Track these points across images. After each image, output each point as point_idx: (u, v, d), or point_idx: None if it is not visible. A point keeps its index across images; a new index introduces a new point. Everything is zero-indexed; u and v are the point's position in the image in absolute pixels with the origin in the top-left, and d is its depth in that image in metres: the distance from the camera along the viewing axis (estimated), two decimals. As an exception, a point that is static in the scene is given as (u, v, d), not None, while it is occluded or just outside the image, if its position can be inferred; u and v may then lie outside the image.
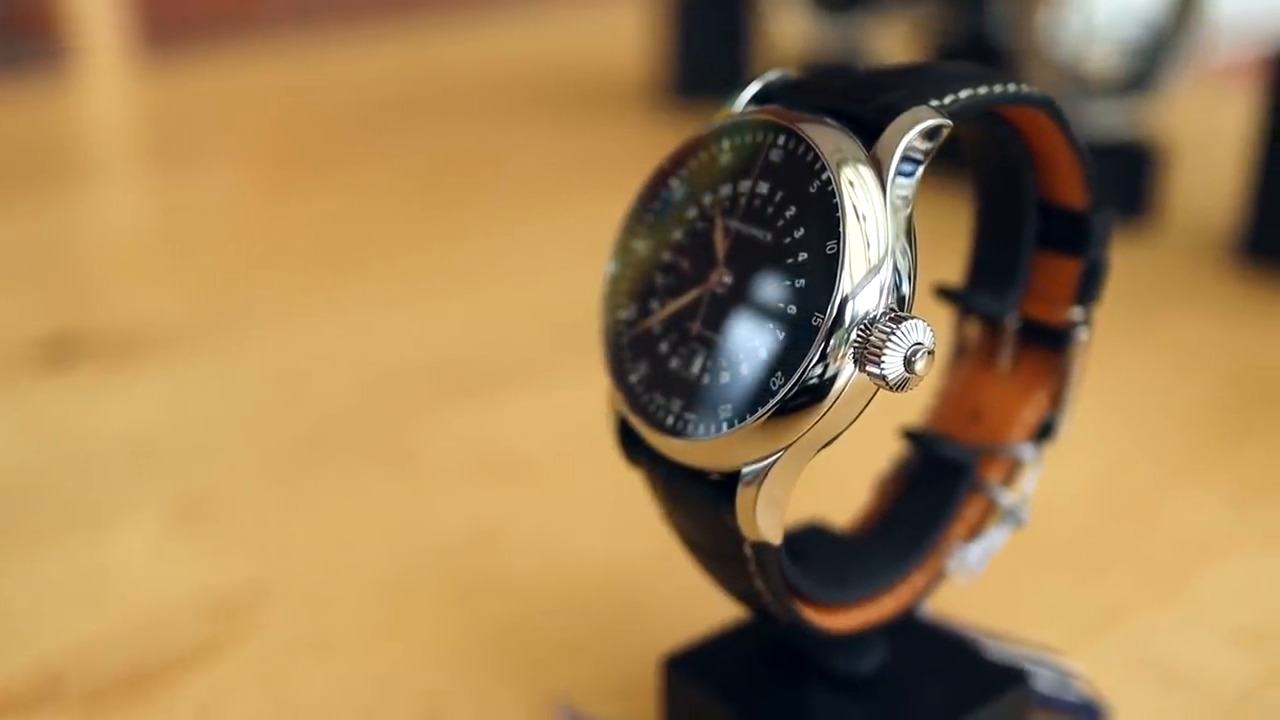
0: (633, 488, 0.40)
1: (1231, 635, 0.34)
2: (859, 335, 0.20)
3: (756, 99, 0.24)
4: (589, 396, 0.46)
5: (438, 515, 0.39)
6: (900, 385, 0.20)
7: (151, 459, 0.42)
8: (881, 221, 0.21)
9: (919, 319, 0.20)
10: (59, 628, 0.34)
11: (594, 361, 0.47)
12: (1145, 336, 0.49)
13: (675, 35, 0.76)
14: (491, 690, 0.32)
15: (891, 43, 0.77)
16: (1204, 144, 0.69)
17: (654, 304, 0.23)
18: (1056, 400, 0.26)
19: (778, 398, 0.21)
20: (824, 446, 0.21)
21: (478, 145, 0.73)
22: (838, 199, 0.21)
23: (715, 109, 0.81)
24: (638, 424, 0.23)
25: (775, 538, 0.22)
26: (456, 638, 0.34)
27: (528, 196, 0.65)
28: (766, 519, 0.21)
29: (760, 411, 0.21)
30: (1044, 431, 0.26)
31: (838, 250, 0.21)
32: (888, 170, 0.21)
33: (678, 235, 0.23)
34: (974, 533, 0.26)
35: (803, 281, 0.21)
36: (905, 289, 0.21)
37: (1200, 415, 0.44)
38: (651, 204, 0.24)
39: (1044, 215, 0.25)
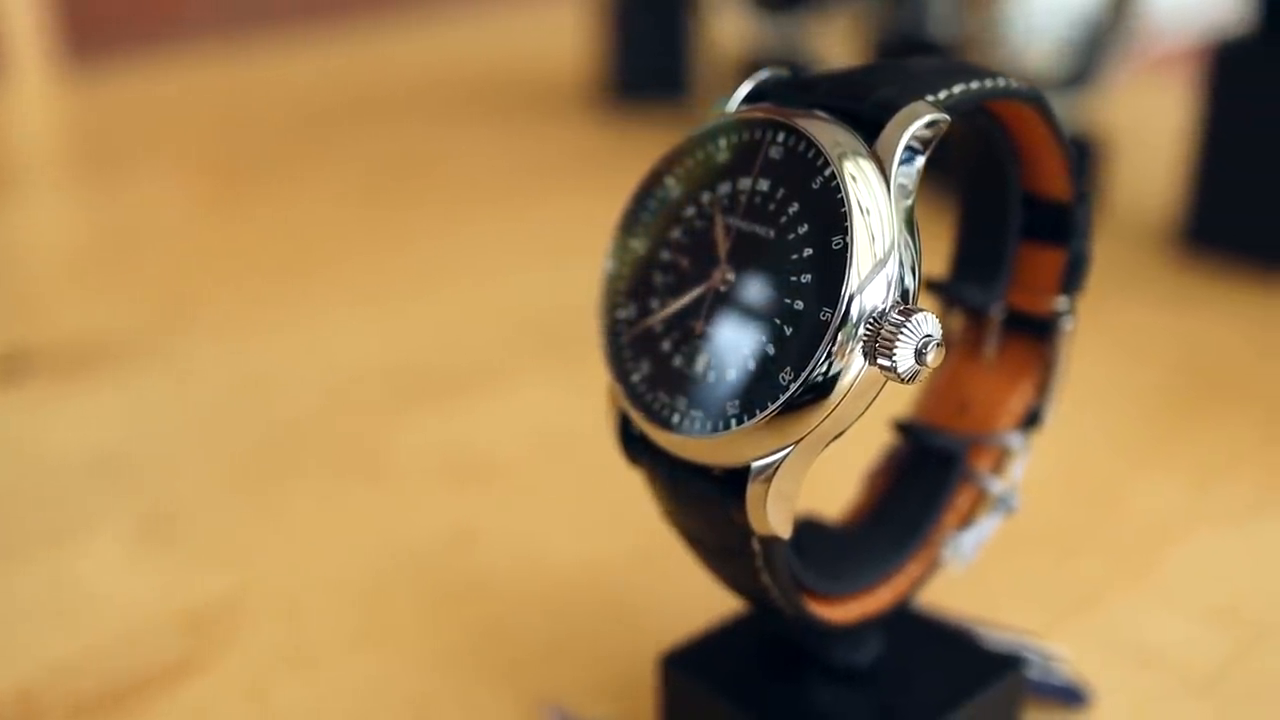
0: (605, 487, 0.40)
1: (1202, 614, 0.34)
2: (868, 329, 0.21)
3: (749, 98, 0.24)
4: (553, 397, 0.46)
5: (410, 520, 0.39)
6: (911, 377, 0.20)
7: (112, 473, 0.41)
8: (886, 215, 0.21)
9: (927, 311, 0.20)
10: (33, 647, 0.33)
11: (555, 362, 0.48)
12: (1097, 325, 0.50)
13: (614, 36, 0.77)
14: (478, 693, 0.32)
15: (830, 41, 0.78)
16: (1143, 136, 0.70)
17: (654, 303, 0.23)
18: (1043, 389, 0.26)
19: (788, 393, 0.21)
20: (832, 440, 0.21)
21: (419, 149, 0.73)
22: (843, 194, 0.21)
23: (655, 110, 0.82)
24: (641, 422, 0.23)
25: (785, 531, 0.22)
26: (439, 642, 0.34)
27: (473, 200, 0.65)
28: (777, 513, 0.22)
29: (771, 407, 0.21)
30: (1031, 420, 0.27)
31: (843, 245, 0.21)
32: (890, 164, 0.21)
33: (676, 234, 0.23)
34: (966, 521, 0.27)
35: (808, 277, 0.21)
36: (910, 282, 0.21)
37: (1155, 401, 0.45)
38: (647, 203, 0.24)
39: (1028, 207, 0.26)
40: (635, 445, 0.24)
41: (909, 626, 0.27)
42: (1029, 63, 0.59)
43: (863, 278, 0.21)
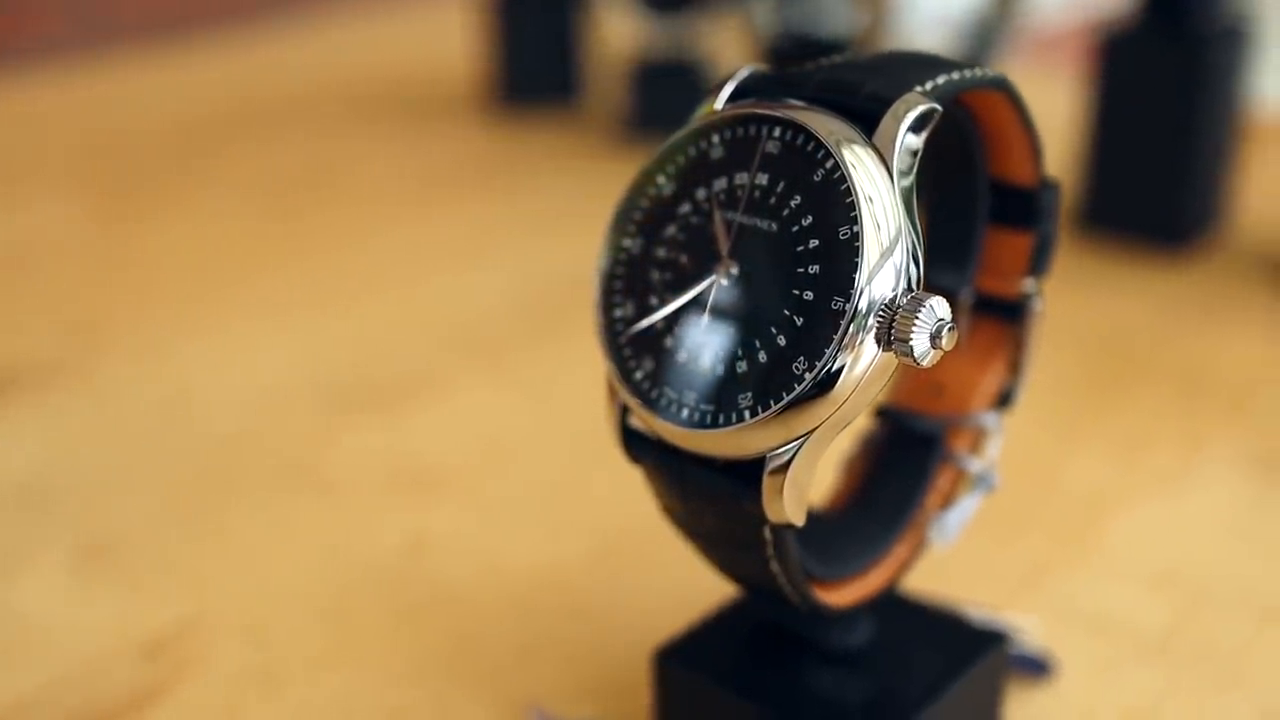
0: (556, 490, 0.40)
1: (1145, 580, 0.36)
2: (880, 317, 0.21)
3: (732, 96, 0.24)
4: (491, 401, 0.46)
5: (362, 533, 0.38)
6: (926, 360, 0.21)
7: (39, 503, 0.40)
8: (889, 204, 0.21)
9: (937, 296, 0.21)
10: (-13, 686, 0.32)
11: (487, 366, 0.48)
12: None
13: (502, 39, 0.76)
14: (456, 702, 0.32)
15: (720, 42, 0.78)
16: (1036, 121, 0.72)
17: (653, 300, 0.24)
18: (1015, 369, 0.27)
19: (804, 383, 0.21)
20: (846, 426, 0.22)
21: (313, 157, 0.71)
22: (849, 184, 0.21)
23: (546, 112, 0.82)
24: (647, 419, 0.23)
25: (800, 519, 0.22)
26: (408, 653, 0.33)
27: (374, 208, 0.64)
28: (792, 501, 0.22)
29: (786, 398, 0.21)
30: (1004, 399, 0.28)
31: (851, 235, 0.21)
32: (891, 154, 0.22)
33: (671, 231, 0.24)
34: (947, 501, 0.27)
35: (816, 268, 0.22)
36: (915, 268, 0.21)
37: (1074, 381, 0.46)
38: (639, 202, 0.24)
39: (995, 193, 0.26)
40: (636, 442, 0.24)
41: (894, 608, 0.28)
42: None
43: (872, 266, 0.21)
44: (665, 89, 0.72)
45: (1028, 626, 0.32)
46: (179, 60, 0.91)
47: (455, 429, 0.44)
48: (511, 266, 0.57)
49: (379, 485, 0.41)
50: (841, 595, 0.25)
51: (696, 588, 0.36)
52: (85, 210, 0.64)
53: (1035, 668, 0.32)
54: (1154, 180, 0.56)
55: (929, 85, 0.23)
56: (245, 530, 0.38)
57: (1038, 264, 0.27)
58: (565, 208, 0.64)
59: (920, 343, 0.21)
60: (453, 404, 0.46)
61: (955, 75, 0.23)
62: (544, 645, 0.34)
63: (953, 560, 0.36)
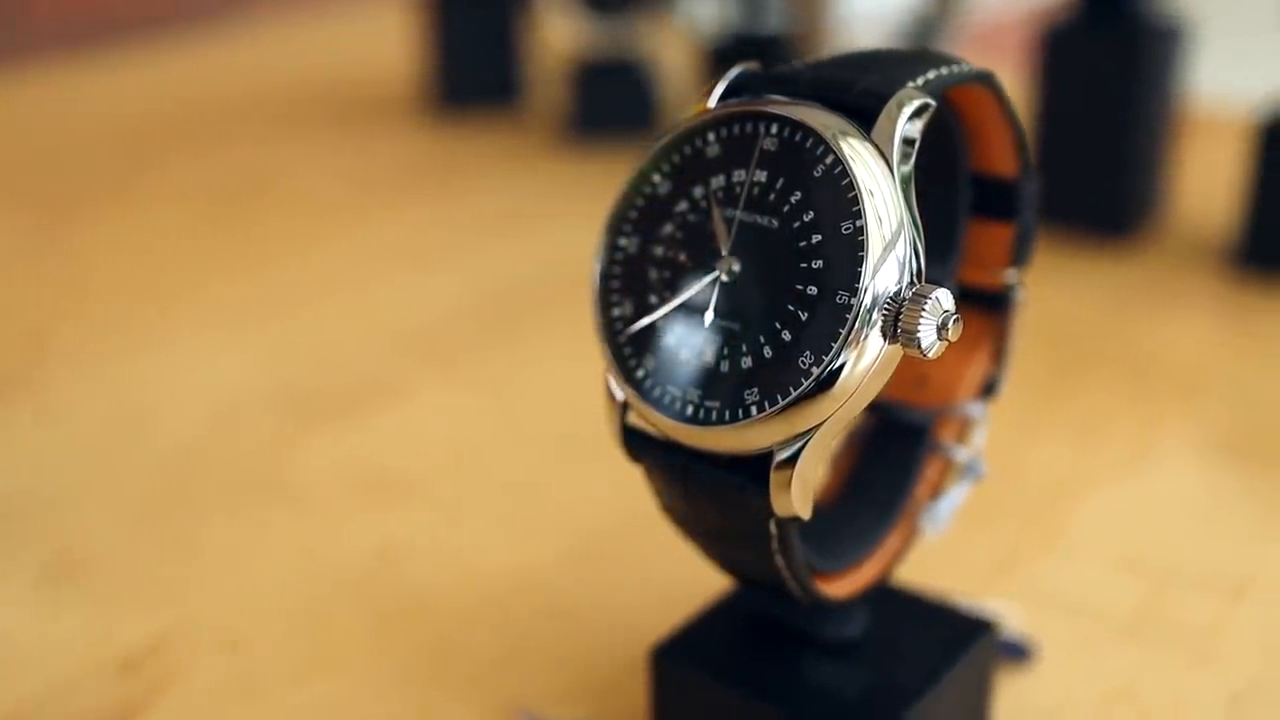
0: (524, 493, 0.40)
1: (1113, 563, 0.36)
2: (886, 309, 0.21)
3: (724, 95, 0.24)
4: (450, 406, 0.45)
5: (332, 541, 0.38)
6: (932, 352, 0.21)
7: (3, 520, 0.39)
8: (890, 197, 0.22)
9: (942, 288, 0.21)
10: (-40, 710, 0.31)
11: (443, 371, 0.47)
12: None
13: (439, 42, 0.76)
14: (442, 708, 0.32)
15: (661, 42, 0.79)
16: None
17: (652, 298, 0.24)
18: (998, 358, 0.28)
19: (812, 377, 0.21)
20: (853, 418, 0.22)
21: (252, 165, 0.71)
22: (851, 179, 0.22)
23: (486, 115, 0.82)
24: (649, 417, 0.23)
25: (807, 512, 0.22)
26: (390, 660, 0.33)
27: (318, 215, 0.64)
28: (799, 495, 0.22)
29: (794, 393, 0.22)
30: (988, 389, 0.28)
31: (854, 229, 0.21)
32: (891, 148, 0.22)
33: (668, 230, 0.24)
34: (936, 491, 0.28)
35: (820, 262, 0.22)
36: (917, 259, 0.22)
37: (1029, 371, 0.47)
38: (635, 201, 0.24)
39: (976, 185, 0.27)
40: (635, 440, 0.24)
41: (884, 599, 0.28)
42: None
43: (876, 260, 0.21)
44: (606, 89, 0.72)
45: (1008, 613, 0.33)
46: (106, 68, 0.90)
47: (417, 434, 0.44)
48: (463, 269, 0.57)
49: (346, 492, 0.40)
50: (838, 587, 0.26)
51: (675, 584, 0.36)
52: (22, 222, 0.63)
53: (1015, 653, 0.32)
54: (1095, 171, 0.57)
55: (920, 81, 0.23)
56: (214, 542, 0.38)
57: (1019, 254, 0.27)
58: (511, 209, 0.64)
59: (927, 335, 0.21)
60: (413, 409, 0.45)
61: (944, 70, 0.24)
62: (526, 648, 0.34)
63: (927, 550, 0.36)
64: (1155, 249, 0.57)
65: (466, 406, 0.46)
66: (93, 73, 0.88)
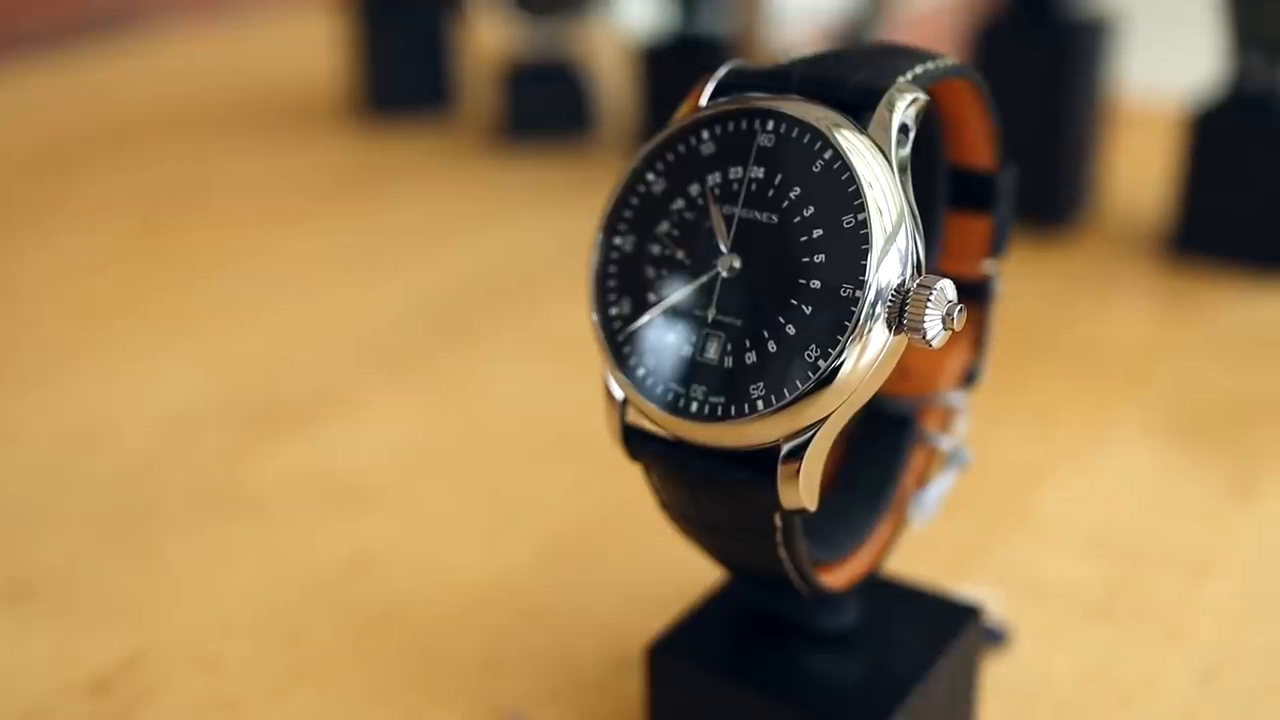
0: (490, 497, 0.40)
1: (1078, 547, 0.37)
2: (892, 301, 0.22)
3: (714, 93, 0.25)
4: (407, 413, 0.45)
5: (298, 553, 0.37)
6: (937, 342, 0.22)
7: (-45, 544, 0.38)
8: (890, 190, 0.22)
9: (945, 278, 0.22)
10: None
11: (396, 378, 0.47)
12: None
13: (367, 48, 0.75)
14: (430, 713, 0.31)
15: (594, 43, 0.79)
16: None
17: (650, 297, 0.24)
18: (978, 348, 0.28)
19: (820, 371, 0.22)
20: (858, 409, 0.22)
21: (180, 176, 0.69)
22: (851, 173, 0.22)
23: (418, 120, 0.81)
24: (652, 415, 0.23)
25: (813, 504, 0.23)
26: (371, 671, 0.33)
27: (254, 225, 0.63)
28: (806, 487, 0.22)
29: (801, 387, 0.22)
30: (969, 378, 0.28)
31: (856, 222, 0.22)
32: (889, 141, 0.22)
33: (664, 228, 0.24)
34: (922, 480, 0.28)
35: (822, 257, 0.22)
36: (918, 250, 0.22)
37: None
38: (629, 200, 0.24)
39: (954, 178, 0.27)
40: (636, 439, 0.24)
41: (872, 588, 0.29)
42: (797, 51, 0.61)
43: (879, 252, 0.22)
44: (538, 92, 0.72)
45: (985, 598, 0.34)
46: (13, 82, 0.88)
47: (376, 442, 0.43)
48: (407, 275, 0.57)
49: (310, 502, 0.40)
50: (835, 577, 0.26)
51: (652, 582, 0.36)
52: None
53: (993, 637, 0.33)
54: (1027, 164, 0.58)
55: (909, 75, 0.23)
56: (180, 558, 0.37)
57: (997, 245, 0.28)
58: (449, 214, 0.63)
59: (933, 326, 0.21)
60: (369, 417, 0.45)
61: (930, 65, 0.24)
62: (508, 652, 0.33)
63: (901, 539, 0.37)
64: (1090, 240, 0.58)
65: (424, 412, 0.45)
66: (13, 85, 0.86)
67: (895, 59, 0.24)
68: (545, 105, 0.72)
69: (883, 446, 0.28)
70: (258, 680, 0.32)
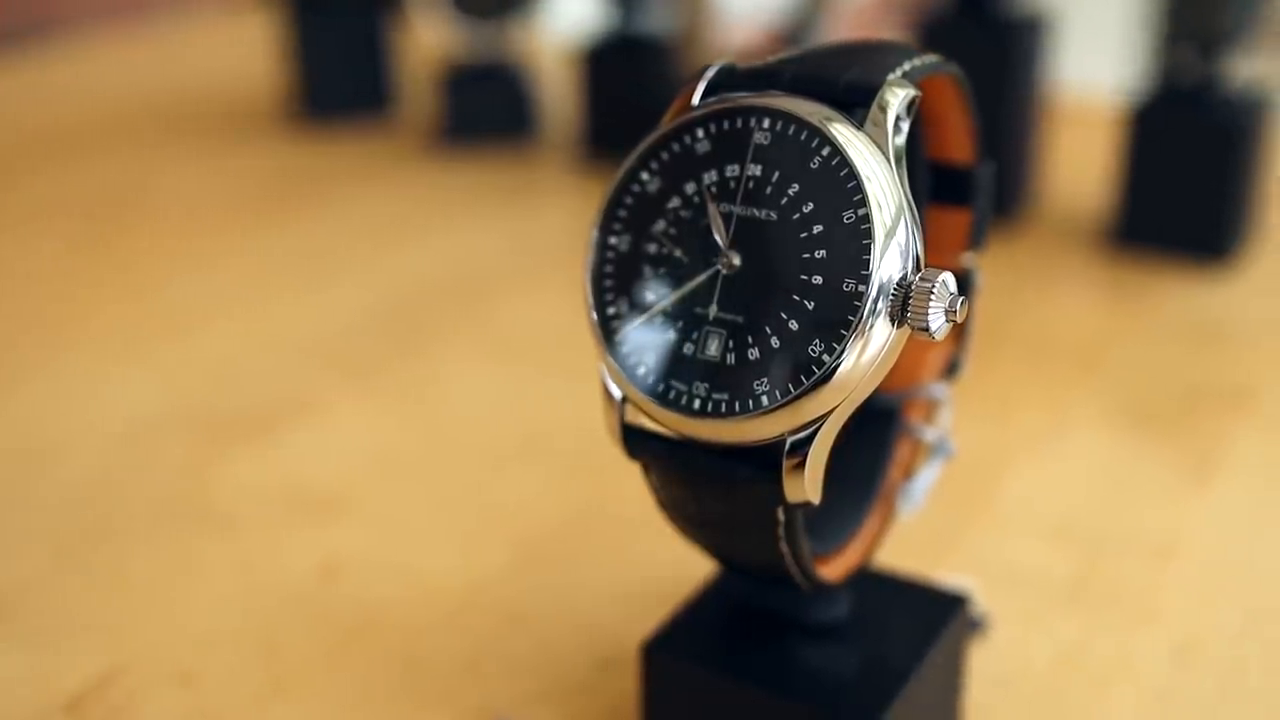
0: (459, 502, 0.40)
1: (1045, 533, 0.38)
2: (894, 295, 0.22)
3: (705, 93, 0.25)
4: (369, 420, 0.45)
5: (269, 563, 0.37)
6: (940, 335, 0.22)
7: (-88, 565, 0.37)
8: (888, 185, 0.22)
9: (946, 271, 0.22)
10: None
11: (353, 385, 0.47)
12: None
13: (303, 51, 0.74)
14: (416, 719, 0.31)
15: (535, 45, 0.78)
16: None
17: (648, 295, 0.24)
18: (959, 340, 0.29)
19: (825, 365, 0.22)
20: (860, 402, 0.23)
21: (117, 184, 0.68)
22: (850, 168, 0.22)
23: (357, 124, 0.80)
24: (654, 413, 0.23)
25: (817, 497, 0.23)
26: (351, 681, 0.32)
27: (196, 233, 0.62)
28: (811, 480, 0.23)
29: (806, 382, 0.22)
30: (951, 370, 0.29)
31: (856, 217, 0.22)
32: (886, 136, 0.22)
33: (660, 226, 0.24)
34: (908, 472, 0.28)
35: (823, 252, 0.22)
36: (917, 244, 0.22)
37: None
38: (624, 200, 0.24)
39: (934, 173, 0.28)
40: (636, 438, 0.25)
41: (859, 579, 0.29)
42: (739, 50, 0.62)
43: (880, 246, 0.22)
44: (478, 94, 0.72)
45: (965, 586, 0.34)
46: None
47: (340, 449, 0.43)
48: (359, 280, 0.56)
49: (276, 511, 0.39)
50: (830, 570, 0.26)
51: (628, 582, 0.36)
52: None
53: (972, 625, 0.33)
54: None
55: (899, 72, 0.24)
56: (147, 573, 0.37)
57: (976, 239, 0.28)
58: (396, 218, 0.63)
59: (937, 319, 0.22)
60: (332, 423, 0.44)
61: (917, 61, 0.24)
62: (489, 656, 0.33)
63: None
64: (1034, 233, 0.59)
65: (386, 418, 0.45)
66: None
67: (883, 56, 0.24)
68: (485, 107, 0.72)
69: (869, 439, 0.28)
70: (238, 693, 0.32)
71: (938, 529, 0.38)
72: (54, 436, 0.44)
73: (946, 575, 0.34)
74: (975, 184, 0.27)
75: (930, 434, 0.28)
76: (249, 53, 0.89)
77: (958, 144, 0.27)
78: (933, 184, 0.28)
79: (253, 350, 0.50)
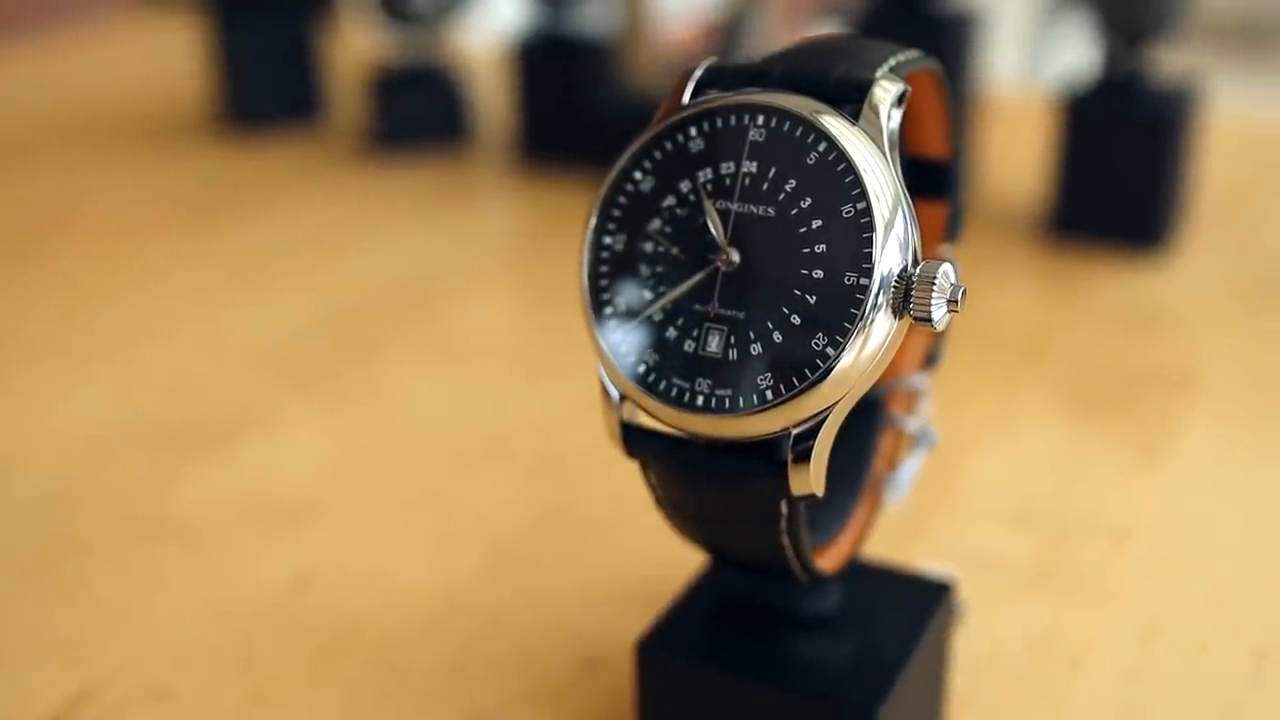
0: (425, 506, 0.40)
1: (1008, 519, 0.39)
2: (896, 286, 0.22)
3: (693, 91, 0.25)
4: (327, 426, 0.44)
5: (238, 576, 0.36)
6: (941, 325, 0.22)
7: None
8: (885, 179, 0.23)
9: (945, 262, 0.22)
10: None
11: (307, 393, 0.46)
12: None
13: (227, 58, 0.73)
14: (406, 729, 0.31)
15: (466, 46, 0.78)
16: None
17: (646, 294, 0.24)
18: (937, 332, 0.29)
19: (830, 358, 0.22)
20: (863, 394, 0.23)
21: (47, 196, 0.67)
22: (849, 163, 0.22)
23: (290, 131, 0.79)
24: (656, 411, 0.24)
25: (821, 489, 0.23)
26: (333, 692, 0.32)
27: (134, 243, 0.61)
28: (815, 473, 0.23)
29: (811, 376, 0.22)
30: (930, 360, 0.29)
31: (856, 211, 0.22)
32: (881, 131, 0.23)
33: (655, 225, 0.24)
34: (892, 462, 0.29)
35: (823, 247, 0.23)
36: (914, 236, 0.23)
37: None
38: (617, 199, 0.24)
39: (913, 167, 0.28)
40: (635, 437, 0.25)
41: (846, 571, 0.29)
42: (678, 48, 0.62)
43: (881, 239, 0.22)
44: (410, 98, 0.71)
45: (942, 574, 0.35)
46: None
47: (301, 458, 0.42)
48: (302, 288, 0.55)
49: (241, 524, 0.39)
50: (826, 561, 0.26)
51: (602, 581, 0.36)
52: None
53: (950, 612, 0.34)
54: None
55: (886, 68, 0.24)
56: (116, 589, 0.36)
57: (952, 231, 0.28)
58: (333, 225, 0.62)
59: (939, 310, 0.22)
60: (289, 432, 0.44)
61: (902, 57, 0.25)
62: (471, 661, 0.33)
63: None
64: (972, 225, 0.60)
65: (345, 424, 0.44)
66: None
67: (870, 52, 0.24)
68: (418, 111, 0.71)
69: (854, 432, 0.28)
70: (216, 709, 0.32)
71: (903, 518, 0.38)
72: (7, 455, 0.43)
73: (926, 563, 0.35)
74: (952, 177, 0.28)
75: (912, 424, 0.29)
76: (165, 59, 0.88)
77: (934, 138, 0.28)
78: (911, 177, 0.28)
79: (202, 362, 0.49)
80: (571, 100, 0.66)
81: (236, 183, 0.68)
